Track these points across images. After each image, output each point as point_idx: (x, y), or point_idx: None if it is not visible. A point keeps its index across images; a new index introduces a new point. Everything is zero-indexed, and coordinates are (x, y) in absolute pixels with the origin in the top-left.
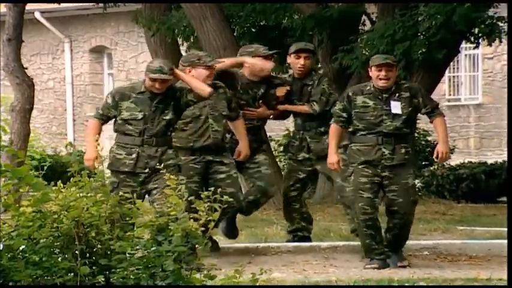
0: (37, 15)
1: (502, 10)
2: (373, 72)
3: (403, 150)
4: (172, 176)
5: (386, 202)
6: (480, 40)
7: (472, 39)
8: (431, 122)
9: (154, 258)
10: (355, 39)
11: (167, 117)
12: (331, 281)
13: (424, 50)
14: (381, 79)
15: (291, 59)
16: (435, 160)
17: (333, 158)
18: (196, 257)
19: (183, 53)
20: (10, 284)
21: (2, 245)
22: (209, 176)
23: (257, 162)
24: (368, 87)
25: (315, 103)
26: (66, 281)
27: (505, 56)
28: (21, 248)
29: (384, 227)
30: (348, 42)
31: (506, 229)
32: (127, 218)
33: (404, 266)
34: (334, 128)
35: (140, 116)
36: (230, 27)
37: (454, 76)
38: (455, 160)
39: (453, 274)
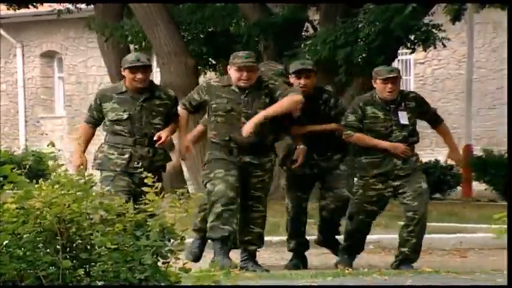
0: None
1: (437, 18)
2: (378, 85)
3: (413, 159)
4: (149, 175)
5: (404, 209)
6: (416, 46)
7: (409, 45)
8: (435, 129)
9: (132, 252)
10: (299, 45)
11: (155, 122)
12: (285, 273)
13: (364, 55)
14: (387, 91)
15: (291, 79)
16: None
17: (395, 144)
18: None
19: None
20: None
21: None
22: (245, 176)
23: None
24: (374, 99)
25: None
26: (49, 274)
27: (435, 61)
28: (5, 243)
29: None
30: (292, 47)
31: (443, 224)
32: (106, 214)
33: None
34: (360, 135)
35: (125, 116)
36: (180, 33)
37: None
38: None
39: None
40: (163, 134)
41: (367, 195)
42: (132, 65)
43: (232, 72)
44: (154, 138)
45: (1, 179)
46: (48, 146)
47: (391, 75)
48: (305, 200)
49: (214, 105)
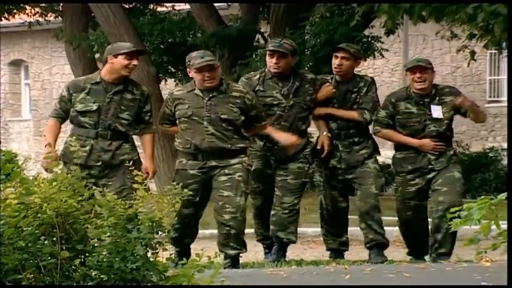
0: None
1: (376, 30)
2: (408, 76)
3: (449, 153)
4: (139, 173)
5: (432, 195)
6: None
7: None
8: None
9: (125, 244)
10: (250, 54)
11: (123, 116)
12: (248, 262)
13: (311, 64)
14: (416, 81)
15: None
16: None
17: (423, 141)
18: None
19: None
20: None
21: None
22: (213, 180)
23: (287, 169)
24: (408, 93)
25: (366, 112)
26: (48, 264)
27: (371, 70)
28: (8, 235)
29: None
30: (245, 57)
31: (386, 218)
32: (99, 209)
33: None
34: (388, 131)
35: (95, 107)
36: (143, 44)
37: None
38: None
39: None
40: (149, 167)
41: (406, 192)
42: (132, 49)
43: (194, 75)
44: (143, 172)
45: (3, 176)
46: (45, 146)
47: (416, 65)
48: (341, 201)
49: (177, 113)
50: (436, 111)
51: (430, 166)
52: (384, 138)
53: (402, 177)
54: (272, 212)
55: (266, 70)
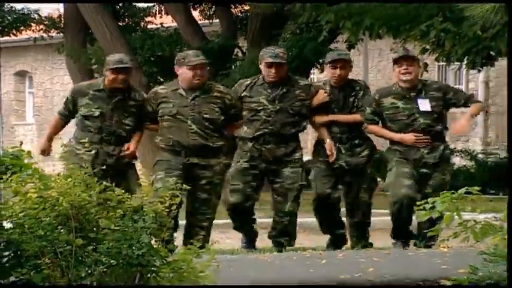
0: None
1: (340, 45)
2: (395, 70)
3: (441, 147)
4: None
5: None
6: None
7: (319, 66)
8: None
9: (132, 232)
10: (230, 66)
11: (126, 122)
12: (233, 249)
13: None
14: (403, 73)
15: (327, 69)
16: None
17: (405, 135)
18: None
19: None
20: (19, 252)
21: (10, 224)
22: (192, 178)
23: (281, 175)
24: (394, 88)
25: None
26: (64, 250)
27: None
28: (29, 225)
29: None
30: (226, 68)
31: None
32: (109, 202)
33: None
34: (373, 126)
35: (97, 113)
36: (135, 56)
37: None
38: None
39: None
40: (131, 145)
41: (401, 171)
42: (115, 66)
43: (185, 72)
44: (124, 148)
45: (24, 173)
46: (61, 146)
47: (404, 55)
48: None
49: (160, 111)
50: (424, 105)
51: (423, 160)
52: (370, 133)
53: (395, 160)
54: (276, 219)
55: (260, 77)
